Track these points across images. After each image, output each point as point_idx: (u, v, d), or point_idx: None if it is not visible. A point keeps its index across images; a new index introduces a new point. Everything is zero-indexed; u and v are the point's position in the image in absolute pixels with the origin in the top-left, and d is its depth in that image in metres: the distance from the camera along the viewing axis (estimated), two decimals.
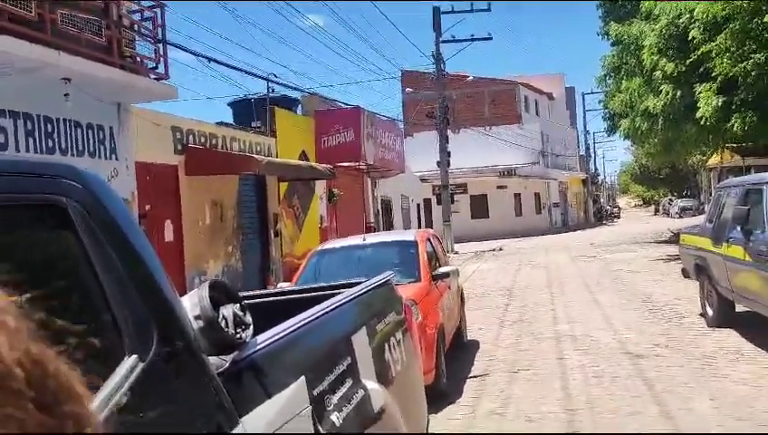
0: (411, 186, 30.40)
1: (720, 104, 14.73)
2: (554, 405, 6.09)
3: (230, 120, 16.88)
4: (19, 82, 8.08)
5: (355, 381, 2.66)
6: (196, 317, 1.79)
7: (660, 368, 7.04)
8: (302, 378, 2.16)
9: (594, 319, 10.22)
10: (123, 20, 10.08)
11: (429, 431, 4.09)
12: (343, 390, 2.49)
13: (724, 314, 8.74)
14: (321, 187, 18.80)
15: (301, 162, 16.78)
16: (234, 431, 1.70)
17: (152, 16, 10.71)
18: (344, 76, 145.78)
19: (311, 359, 2.43)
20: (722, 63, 14.05)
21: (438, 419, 5.74)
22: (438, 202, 32.02)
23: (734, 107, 14.81)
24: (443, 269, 8.00)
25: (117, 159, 10.12)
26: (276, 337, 2.13)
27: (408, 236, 9.01)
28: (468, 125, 37.69)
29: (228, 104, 18.44)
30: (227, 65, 15.70)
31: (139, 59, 10.33)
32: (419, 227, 29.88)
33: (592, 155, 70.39)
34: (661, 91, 16.78)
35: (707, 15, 14.21)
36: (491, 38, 29.23)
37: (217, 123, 14.74)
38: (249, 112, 16.64)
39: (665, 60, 16.26)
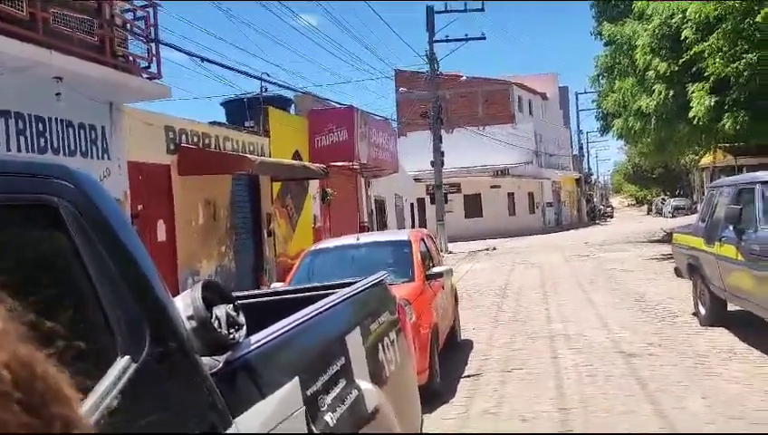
0: (405, 185, 30.41)
1: (712, 104, 14.79)
2: (548, 404, 6.10)
3: (223, 119, 16.83)
4: (10, 81, 8.03)
5: (349, 382, 2.65)
6: (189, 317, 1.78)
7: (653, 367, 7.06)
8: (296, 378, 2.15)
9: (588, 318, 10.24)
10: (116, 19, 10.04)
11: (423, 431, 4.09)
12: (337, 390, 2.49)
13: (717, 313, 8.77)
14: (314, 186, 18.78)
15: (294, 162, 16.76)
16: (227, 432, 1.69)
17: (145, 16, 10.67)
18: (338, 75, 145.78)
19: (304, 359, 2.42)
20: (714, 63, 14.10)
21: (432, 418, 5.74)
22: (432, 202, 32.04)
23: (726, 107, 14.87)
24: (436, 269, 8.02)
25: (109, 158, 10.07)
26: (270, 337, 2.13)
27: (402, 235, 9.02)
28: (462, 125, 37.70)
29: (221, 104, 18.38)
30: (220, 65, 15.72)
31: (131, 58, 10.29)
32: (413, 226, 29.92)
33: (586, 154, 70.72)
34: (654, 90, 16.84)
35: (700, 15, 14.27)
36: (484, 38, 29.24)
37: (210, 123, 14.70)
38: (242, 112, 16.59)
39: (657, 60, 16.32)
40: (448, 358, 7.76)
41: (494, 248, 28.18)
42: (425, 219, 35.02)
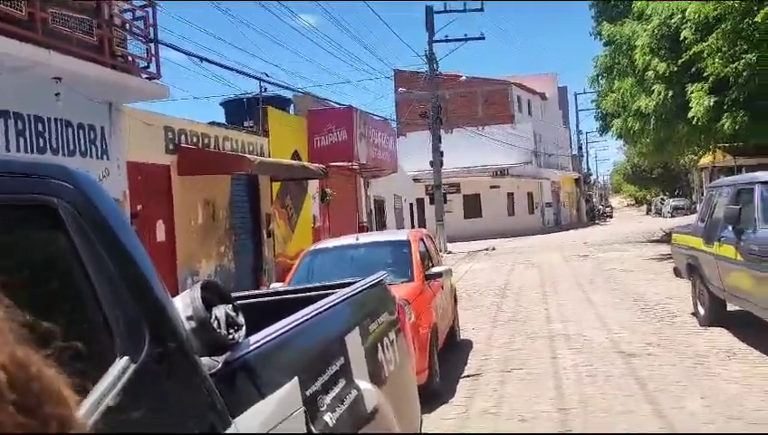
0: (404, 185, 30.41)
1: (712, 104, 14.80)
2: (547, 404, 6.10)
3: (222, 119, 16.84)
4: (9, 82, 8.03)
5: (348, 382, 2.65)
6: (189, 318, 1.78)
7: (653, 367, 7.07)
8: (296, 378, 2.15)
9: (587, 318, 10.25)
10: (115, 19, 10.04)
11: (423, 431, 4.08)
12: (336, 390, 2.49)
13: (716, 313, 8.78)
14: (313, 186, 18.77)
15: (293, 162, 16.76)
16: (226, 432, 1.69)
17: (144, 15, 10.67)
18: (337, 76, 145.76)
19: (304, 359, 2.42)
20: (713, 63, 14.11)
21: (432, 418, 5.74)
22: (431, 202, 32.05)
23: (725, 107, 14.88)
24: (436, 269, 8.02)
25: (108, 158, 10.07)
26: (269, 338, 2.13)
27: (401, 235, 9.02)
28: (461, 125, 37.72)
29: (220, 104, 18.39)
30: (220, 65, 15.67)
31: (130, 58, 10.28)
32: (412, 226, 29.93)
33: (585, 155, 70.74)
34: (653, 90, 16.84)
35: (699, 16, 14.27)
36: (484, 38, 29.27)
37: (210, 123, 14.70)
38: (241, 112, 16.59)
39: (657, 60, 16.33)
40: (448, 358, 7.76)
41: (494, 248, 28.18)
42: (424, 219, 35.03)
